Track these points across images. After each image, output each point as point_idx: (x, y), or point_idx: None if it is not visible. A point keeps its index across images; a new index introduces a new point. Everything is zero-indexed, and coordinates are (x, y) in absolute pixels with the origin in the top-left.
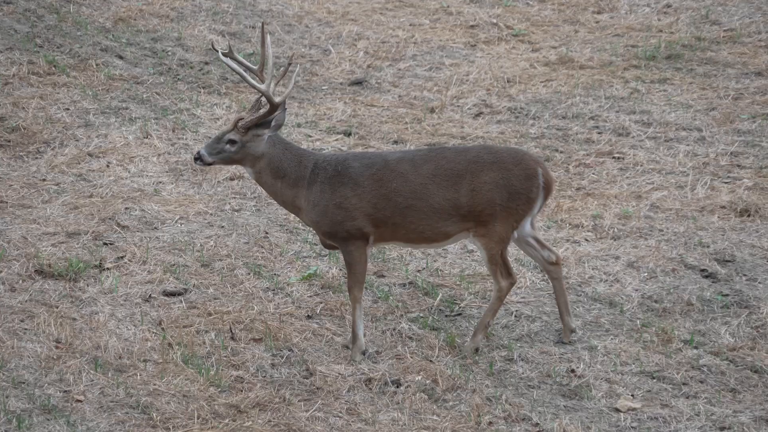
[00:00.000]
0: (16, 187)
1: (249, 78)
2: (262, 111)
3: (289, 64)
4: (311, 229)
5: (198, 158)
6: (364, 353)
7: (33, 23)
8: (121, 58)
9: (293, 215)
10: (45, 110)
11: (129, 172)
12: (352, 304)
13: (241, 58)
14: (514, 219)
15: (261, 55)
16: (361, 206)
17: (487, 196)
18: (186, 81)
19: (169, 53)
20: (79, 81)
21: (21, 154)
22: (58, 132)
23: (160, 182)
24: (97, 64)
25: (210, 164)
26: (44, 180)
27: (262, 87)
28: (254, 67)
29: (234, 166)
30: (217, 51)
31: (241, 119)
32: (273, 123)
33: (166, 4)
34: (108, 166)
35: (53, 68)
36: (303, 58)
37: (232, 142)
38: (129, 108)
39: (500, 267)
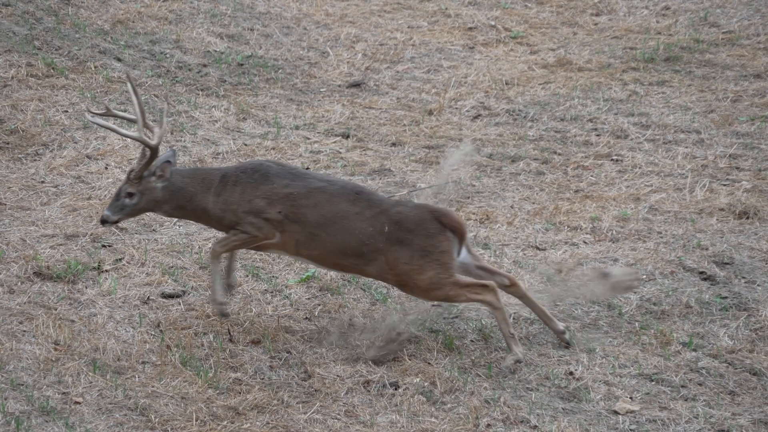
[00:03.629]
0: (14, 189)
1: (120, 129)
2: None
3: (162, 110)
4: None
5: (104, 221)
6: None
7: (32, 25)
8: (119, 60)
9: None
10: (44, 112)
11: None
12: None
13: (119, 112)
14: (436, 267)
15: (138, 104)
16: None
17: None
18: (184, 83)
19: (168, 55)
20: (78, 83)
21: (20, 156)
22: (56, 134)
23: None
24: (95, 67)
25: (116, 222)
26: (43, 182)
27: (134, 134)
28: (133, 117)
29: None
30: (93, 113)
31: (132, 170)
32: (156, 170)
33: (164, 7)
34: (106, 168)
35: (52, 70)
36: (301, 60)
37: (129, 195)
38: (127, 110)
39: (468, 288)
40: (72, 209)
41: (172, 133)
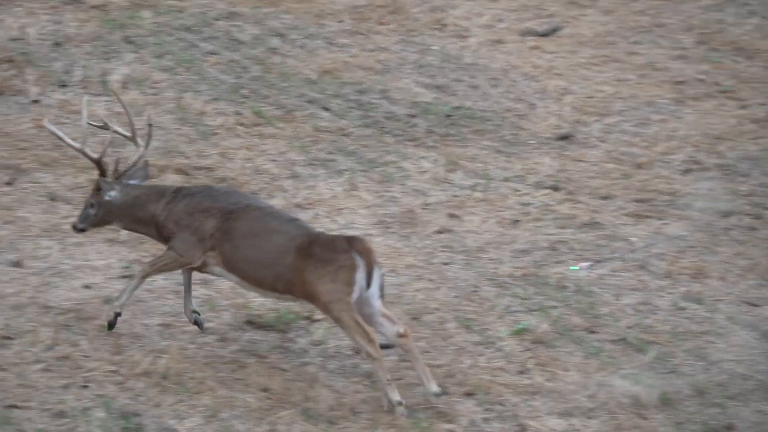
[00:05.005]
0: None
1: (67, 139)
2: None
3: (150, 125)
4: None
5: (74, 227)
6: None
7: (238, 74)
8: (327, 109)
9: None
10: (252, 161)
11: (337, 223)
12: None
13: (117, 128)
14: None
15: (129, 121)
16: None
17: None
18: (393, 133)
19: (375, 105)
20: (286, 132)
21: None
22: (265, 183)
23: (369, 234)
24: (303, 116)
25: (82, 230)
26: None
27: (76, 145)
28: (128, 134)
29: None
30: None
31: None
32: (104, 186)
33: (371, 57)
34: (316, 217)
35: (260, 119)
36: (509, 111)
37: (91, 205)
38: (336, 160)
39: (356, 323)
40: None
41: (381, 183)
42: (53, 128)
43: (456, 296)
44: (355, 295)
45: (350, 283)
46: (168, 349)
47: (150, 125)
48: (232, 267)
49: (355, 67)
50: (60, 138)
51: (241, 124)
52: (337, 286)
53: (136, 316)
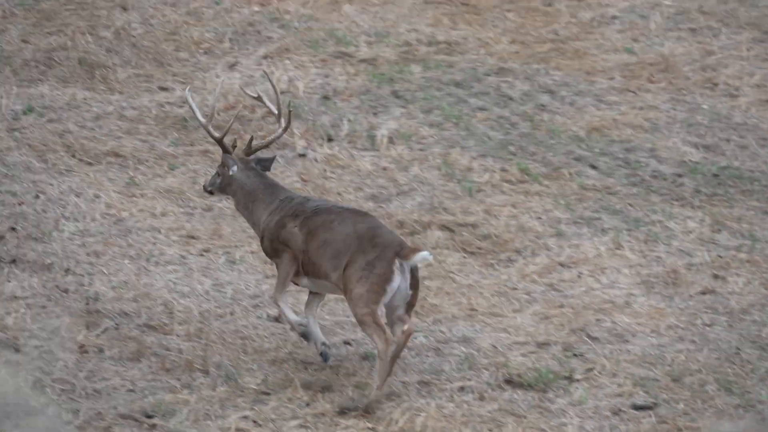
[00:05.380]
0: (486, 295)
1: (198, 114)
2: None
3: (290, 104)
4: None
5: (203, 188)
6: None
7: (506, 131)
8: (594, 167)
9: None
10: (517, 218)
11: (600, 283)
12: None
13: (268, 103)
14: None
15: (276, 101)
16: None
17: None
18: (659, 192)
19: (642, 164)
20: (552, 190)
21: (492, 261)
22: (529, 240)
23: (632, 294)
24: (569, 173)
25: (210, 193)
26: (515, 288)
27: (203, 121)
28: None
29: None
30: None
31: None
32: (227, 162)
33: (640, 115)
34: (579, 276)
35: (526, 176)
36: None
37: (218, 174)
38: (601, 218)
39: (377, 325)
40: (544, 317)
41: (646, 243)
42: (190, 100)
43: (717, 358)
44: (385, 300)
45: (379, 293)
46: (426, 407)
47: (290, 110)
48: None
49: (623, 124)
50: (193, 110)
51: (507, 181)
52: (368, 294)
53: (395, 374)
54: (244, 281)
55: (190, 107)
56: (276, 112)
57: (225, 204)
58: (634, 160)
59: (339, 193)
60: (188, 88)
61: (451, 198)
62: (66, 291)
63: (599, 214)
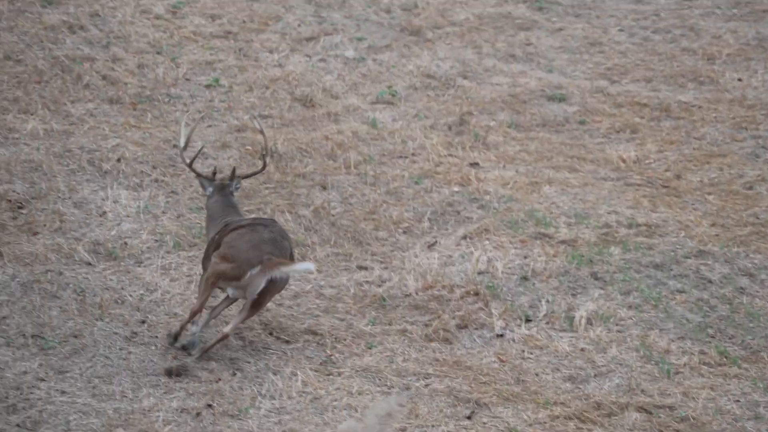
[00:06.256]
0: None
1: (182, 138)
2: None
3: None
4: None
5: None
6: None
7: (705, 313)
8: None
9: None
10: (715, 401)
11: None
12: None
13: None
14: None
15: (264, 143)
16: None
17: None
18: None
19: None
20: (750, 373)
21: None
22: (727, 423)
23: None
24: None
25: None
26: None
27: (181, 145)
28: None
29: None
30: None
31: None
32: (202, 184)
33: None
34: None
35: (724, 359)
36: None
37: (203, 186)
38: None
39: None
40: None
41: None
42: (183, 123)
43: None
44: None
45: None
46: None
47: (272, 152)
48: None
49: None
50: (180, 134)
51: (706, 364)
52: (216, 269)
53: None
54: None
55: (179, 130)
56: (264, 153)
57: (422, 383)
58: None
59: (537, 374)
60: (186, 115)
61: (649, 380)
62: None
63: None
